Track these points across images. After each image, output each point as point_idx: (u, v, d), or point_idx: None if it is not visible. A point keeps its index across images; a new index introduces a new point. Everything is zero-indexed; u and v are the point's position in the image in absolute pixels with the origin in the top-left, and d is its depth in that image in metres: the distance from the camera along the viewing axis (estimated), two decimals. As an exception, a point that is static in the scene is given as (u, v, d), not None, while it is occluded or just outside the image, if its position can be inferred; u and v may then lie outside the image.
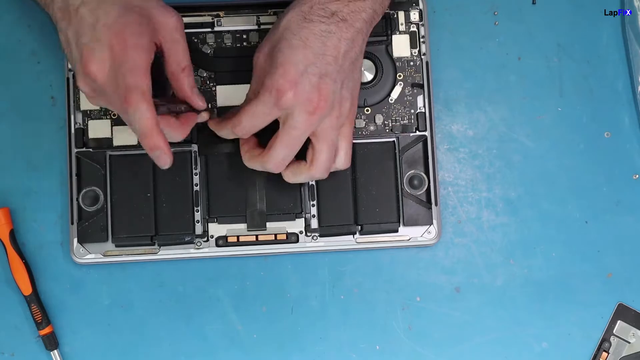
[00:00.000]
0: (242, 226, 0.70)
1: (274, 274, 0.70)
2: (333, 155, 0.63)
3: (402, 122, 0.71)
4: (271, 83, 0.59)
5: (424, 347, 0.70)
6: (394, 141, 0.71)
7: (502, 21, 0.73)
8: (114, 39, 0.56)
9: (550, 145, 0.72)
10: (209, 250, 0.69)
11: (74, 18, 0.58)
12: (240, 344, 0.70)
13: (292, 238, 0.69)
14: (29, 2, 0.70)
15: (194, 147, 0.70)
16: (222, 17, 0.71)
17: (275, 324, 0.70)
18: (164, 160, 0.59)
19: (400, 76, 0.71)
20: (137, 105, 0.56)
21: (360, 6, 0.61)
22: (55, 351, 0.69)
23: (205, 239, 0.69)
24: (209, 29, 0.70)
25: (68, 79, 0.70)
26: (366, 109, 0.71)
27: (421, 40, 0.71)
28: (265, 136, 0.62)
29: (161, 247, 0.69)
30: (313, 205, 0.70)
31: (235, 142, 0.66)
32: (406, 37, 0.71)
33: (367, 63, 0.71)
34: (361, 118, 0.70)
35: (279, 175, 0.64)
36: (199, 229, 0.69)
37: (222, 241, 0.69)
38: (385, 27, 0.71)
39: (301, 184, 0.69)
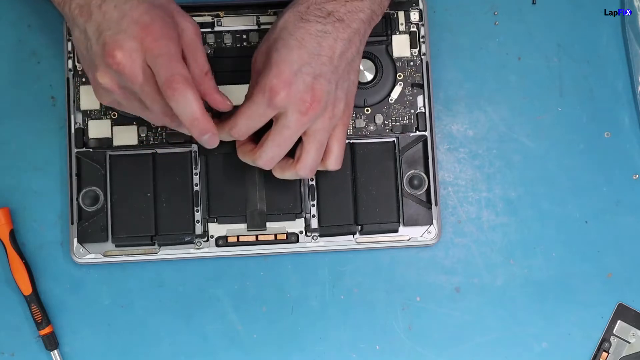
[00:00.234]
0: (242, 226, 0.70)
1: (274, 274, 0.70)
2: (321, 157, 0.62)
3: (402, 122, 0.71)
4: (265, 83, 0.59)
5: (424, 347, 0.70)
6: (394, 141, 0.71)
7: (502, 21, 0.73)
8: (142, 31, 0.55)
9: (550, 145, 0.72)
10: (209, 250, 0.69)
11: (96, 14, 0.57)
12: (240, 344, 0.70)
13: (292, 238, 0.69)
14: (29, 2, 0.70)
15: (194, 147, 0.70)
16: (222, 17, 0.71)
17: (275, 324, 0.70)
18: (214, 141, 0.59)
19: (400, 76, 0.71)
20: (184, 92, 0.55)
21: (358, 6, 0.61)
22: (55, 351, 0.69)
23: (205, 239, 0.69)
24: (209, 29, 0.70)
25: (68, 79, 0.70)
26: (366, 109, 0.71)
27: (421, 40, 0.71)
28: (262, 131, 0.62)
29: (161, 247, 0.69)
30: (313, 205, 0.70)
31: (235, 142, 0.66)
32: (406, 37, 0.71)
33: (367, 63, 0.71)
34: (361, 118, 0.70)
35: (279, 175, 0.64)
36: (199, 229, 0.69)
37: (222, 241, 0.69)
38: (385, 27, 0.71)
39: (301, 184, 0.69)
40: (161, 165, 0.69)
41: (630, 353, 0.70)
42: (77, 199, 0.69)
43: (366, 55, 0.70)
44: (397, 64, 0.71)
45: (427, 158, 0.70)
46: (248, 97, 0.62)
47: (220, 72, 0.70)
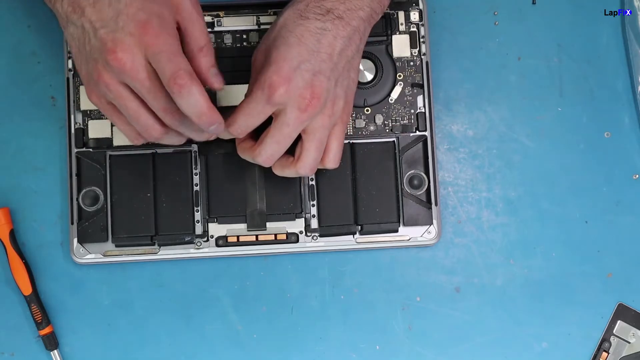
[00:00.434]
0: (242, 226, 0.70)
1: (274, 274, 0.70)
2: (321, 155, 0.62)
3: (402, 122, 0.71)
4: (264, 79, 0.58)
5: (424, 347, 0.70)
6: (394, 141, 0.71)
7: (502, 21, 0.73)
8: (140, 29, 0.55)
9: (550, 145, 0.72)
10: (209, 250, 0.69)
11: (89, 9, 0.56)
12: (240, 344, 0.70)
13: (292, 238, 0.69)
14: (29, 3, 0.70)
15: (194, 147, 0.70)
16: (222, 17, 0.71)
17: (275, 324, 0.70)
18: (220, 130, 0.58)
19: (400, 76, 0.71)
20: (189, 87, 0.55)
21: (357, 4, 0.61)
22: (55, 351, 0.69)
23: (205, 239, 0.69)
24: (209, 29, 0.70)
25: (68, 79, 0.70)
26: (366, 109, 0.71)
27: (421, 40, 0.71)
28: (262, 128, 0.62)
29: (161, 247, 0.69)
30: (313, 205, 0.70)
31: (235, 141, 0.66)
32: (406, 37, 0.71)
33: (367, 63, 0.71)
34: (361, 118, 0.70)
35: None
36: (199, 229, 0.69)
37: (222, 241, 0.69)
38: (385, 27, 0.71)
39: (301, 184, 0.69)
40: (161, 165, 0.69)
41: (630, 353, 0.70)
42: (77, 199, 0.69)
43: (366, 55, 0.70)
44: (397, 64, 0.71)
45: (427, 158, 0.70)
46: (247, 95, 0.62)
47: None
